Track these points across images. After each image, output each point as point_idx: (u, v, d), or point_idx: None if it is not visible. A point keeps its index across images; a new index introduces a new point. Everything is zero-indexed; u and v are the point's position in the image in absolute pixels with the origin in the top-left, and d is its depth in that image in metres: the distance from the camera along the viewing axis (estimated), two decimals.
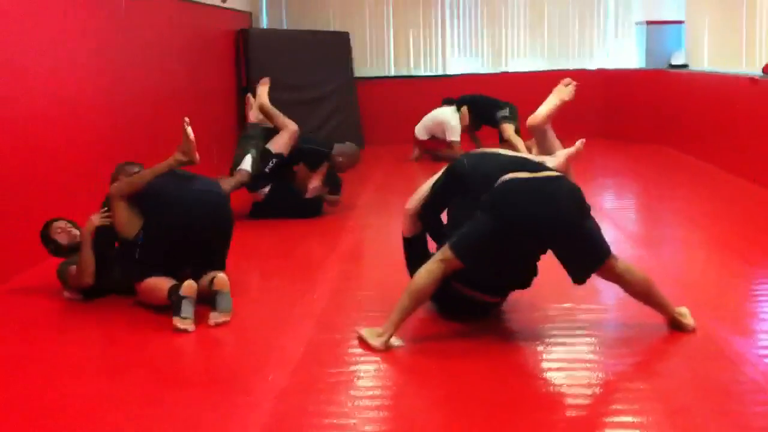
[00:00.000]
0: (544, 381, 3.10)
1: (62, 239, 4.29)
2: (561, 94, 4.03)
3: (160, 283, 3.90)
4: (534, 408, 2.86)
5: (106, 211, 4.15)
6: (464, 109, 9.05)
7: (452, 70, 11.15)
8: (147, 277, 3.97)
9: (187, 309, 3.74)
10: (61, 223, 4.34)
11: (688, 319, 3.51)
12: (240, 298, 4.13)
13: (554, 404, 2.89)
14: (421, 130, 9.24)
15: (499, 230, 3.34)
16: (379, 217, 6.21)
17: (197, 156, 4.09)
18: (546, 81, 11.88)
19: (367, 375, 3.25)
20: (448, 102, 9.42)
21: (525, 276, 3.63)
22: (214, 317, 3.79)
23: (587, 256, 3.42)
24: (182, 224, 3.98)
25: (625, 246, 5.29)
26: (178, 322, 3.70)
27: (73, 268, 4.17)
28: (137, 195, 4.06)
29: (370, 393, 3.06)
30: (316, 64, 10.21)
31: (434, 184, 3.79)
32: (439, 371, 3.29)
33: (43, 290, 4.38)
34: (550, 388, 3.04)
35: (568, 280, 3.49)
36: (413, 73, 11.18)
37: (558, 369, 3.20)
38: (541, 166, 3.55)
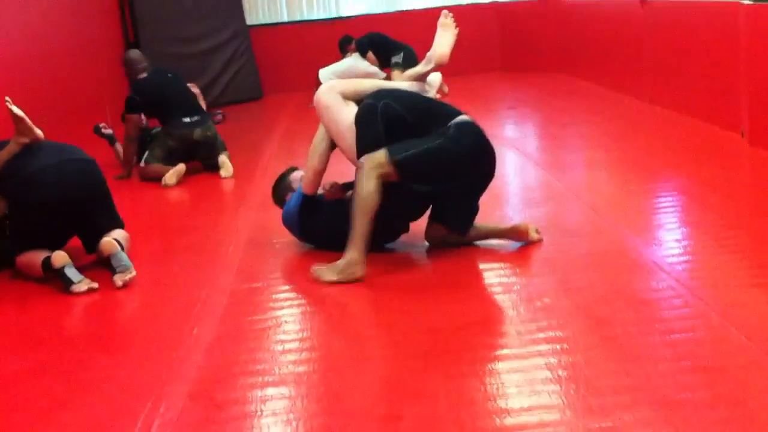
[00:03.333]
0: (463, 305, 3.13)
1: None
2: (449, 28, 3.93)
3: (33, 258, 3.74)
4: (456, 330, 2.89)
5: None
6: (370, 55, 8.91)
7: (346, 11, 11.01)
8: (22, 252, 3.80)
9: (74, 274, 3.62)
10: None
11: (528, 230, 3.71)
12: (156, 256, 4.05)
13: (476, 325, 2.93)
14: (327, 77, 9.04)
15: (451, 156, 3.50)
16: (286, 164, 6.10)
17: (38, 132, 3.82)
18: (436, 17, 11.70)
19: (293, 319, 3.22)
20: (346, 41, 9.27)
21: (423, 210, 3.79)
22: (118, 278, 3.64)
23: (474, 211, 3.74)
24: (48, 200, 3.74)
25: (531, 171, 5.42)
26: (76, 288, 3.59)
27: None
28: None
29: (297, 336, 3.04)
30: (206, 13, 9.93)
31: (368, 135, 3.56)
32: (363, 308, 3.30)
33: None
34: (471, 311, 3.08)
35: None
36: (307, 17, 10.98)
37: (477, 294, 3.26)
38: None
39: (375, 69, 8.74)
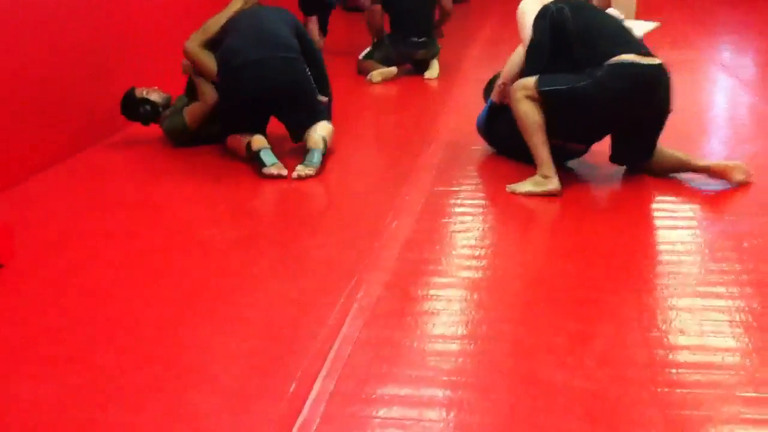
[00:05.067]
0: (661, 234, 3.07)
1: (155, 97, 4.32)
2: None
3: (239, 140, 3.97)
4: (653, 256, 2.85)
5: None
6: None
7: None
8: (230, 134, 4.04)
9: (269, 157, 3.80)
10: (141, 88, 4.36)
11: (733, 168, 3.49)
12: (360, 149, 4.21)
13: (675, 255, 2.87)
14: None
15: (594, 101, 3.41)
16: (489, 71, 6.07)
17: None
18: None
19: (486, 226, 3.31)
20: None
21: (592, 136, 3.70)
22: (298, 170, 3.77)
23: (648, 148, 3.58)
24: (248, 95, 3.94)
25: (749, 102, 5.09)
26: (267, 171, 3.76)
27: (190, 109, 4.23)
28: (216, 42, 4.10)
29: (487, 242, 3.12)
30: None
31: (535, 36, 3.64)
32: (555, 223, 3.31)
33: (137, 148, 4.42)
34: (669, 241, 3.02)
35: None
36: None
37: (678, 225, 3.17)
38: (645, 49, 3.52)
39: None
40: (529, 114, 3.49)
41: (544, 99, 3.47)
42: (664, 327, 2.39)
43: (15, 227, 3.04)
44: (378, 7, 6.14)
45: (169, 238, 3.22)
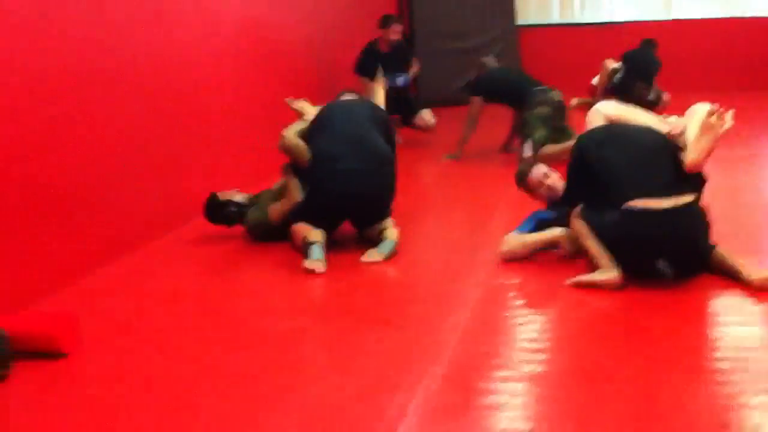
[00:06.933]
0: (735, 330, 2.99)
1: (239, 198, 4.43)
2: (712, 131, 3.42)
3: (303, 230, 4.02)
4: (726, 353, 2.77)
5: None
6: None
7: (619, 16, 10.70)
8: (300, 221, 4.09)
9: (317, 252, 3.85)
10: (222, 192, 4.46)
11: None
12: (419, 242, 4.23)
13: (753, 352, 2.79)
14: None
15: (612, 243, 3.46)
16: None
17: (310, 112, 4.39)
18: (716, 29, 10.91)
19: (546, 318, 3.28)
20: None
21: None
22: (370, 254, 3.92)
23: (695, 268, 3.48)
24: (331, 205, 4.08)
25: None
26: (308, 264, 3.81)
27: (274, 206, 4.30)
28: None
29: (548, 335, 3.09)
30: (479, 10, 10.10)
31: (569, 173, 3.80)
32: (620, 319, 3.25)
33: (206, 239, 4.51)
34: (745, 338, 2.93)
35: None
36: (578, 20, 10.80)
37: (753, 321, 3.08)
38: (673, 187, 3.42)
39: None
40: (580, 226, 3.58)
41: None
42: (736, 425, 2.31)
43: (81, 318, 3.10)
44: (476, 98, 6.53)
45: (227, 330, 3.25)
